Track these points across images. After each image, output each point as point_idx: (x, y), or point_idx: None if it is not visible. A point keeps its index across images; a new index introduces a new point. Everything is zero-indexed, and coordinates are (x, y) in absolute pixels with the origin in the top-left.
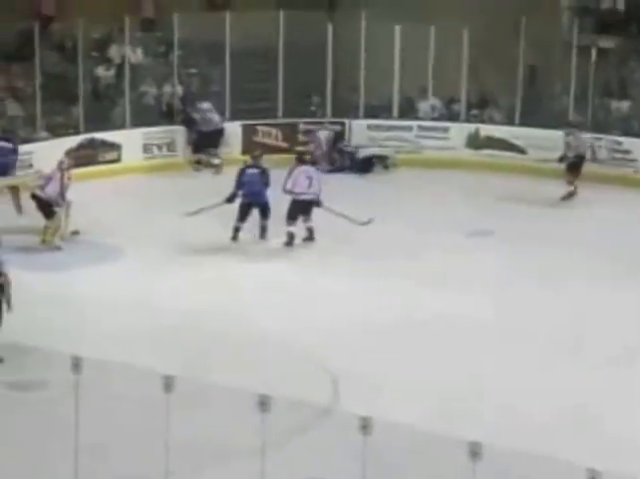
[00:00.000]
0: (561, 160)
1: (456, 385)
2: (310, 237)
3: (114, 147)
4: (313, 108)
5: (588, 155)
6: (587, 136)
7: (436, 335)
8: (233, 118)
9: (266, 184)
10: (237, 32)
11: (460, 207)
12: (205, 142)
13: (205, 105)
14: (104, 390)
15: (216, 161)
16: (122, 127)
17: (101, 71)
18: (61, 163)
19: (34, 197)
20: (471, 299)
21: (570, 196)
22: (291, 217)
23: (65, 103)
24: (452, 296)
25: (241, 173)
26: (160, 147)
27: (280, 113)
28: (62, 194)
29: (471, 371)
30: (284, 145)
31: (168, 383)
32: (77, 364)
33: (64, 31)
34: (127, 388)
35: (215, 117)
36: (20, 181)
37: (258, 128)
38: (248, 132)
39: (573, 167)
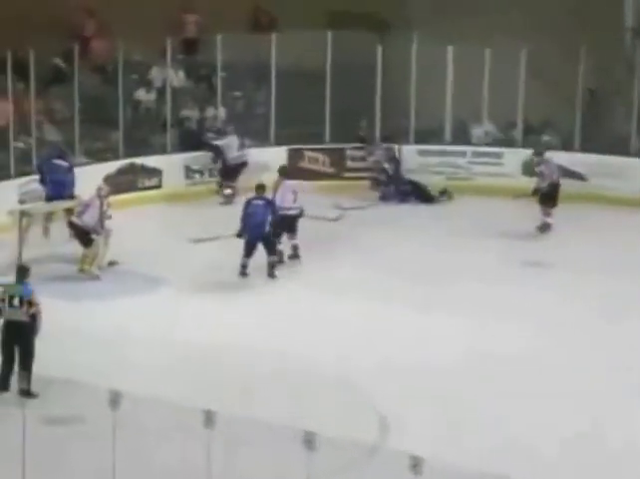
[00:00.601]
0: (535, 192)
1: (493, 420)
2: (295, 254)
3: (154, 172)
4: (362, 132)
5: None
6: None
7: (469, 369)
8: (279, 142)
9: (272, 217)
10: (283, 53)
11: (509, 235)
12: (227, 172)
13: (227, 140)
14: (139, 425)
15: (227, 191)
16: (162, 152)
17: (141, 94)
18: (99, 189)
19: (71, 224)
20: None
21: (546, 227)
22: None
23: (104, 127)
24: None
25: (247, 205)
26: (201, 172)
27: (327, 137)
28: (101, 221)
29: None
30: (331, 171)
31: (209, 419)
32: (115, 400)
33: (104, 53)
34: (163, 423)
35: (236, 152)
36: (74, 204)
37: (305, 153)
38: (294, 157)
39: (548, 197)
